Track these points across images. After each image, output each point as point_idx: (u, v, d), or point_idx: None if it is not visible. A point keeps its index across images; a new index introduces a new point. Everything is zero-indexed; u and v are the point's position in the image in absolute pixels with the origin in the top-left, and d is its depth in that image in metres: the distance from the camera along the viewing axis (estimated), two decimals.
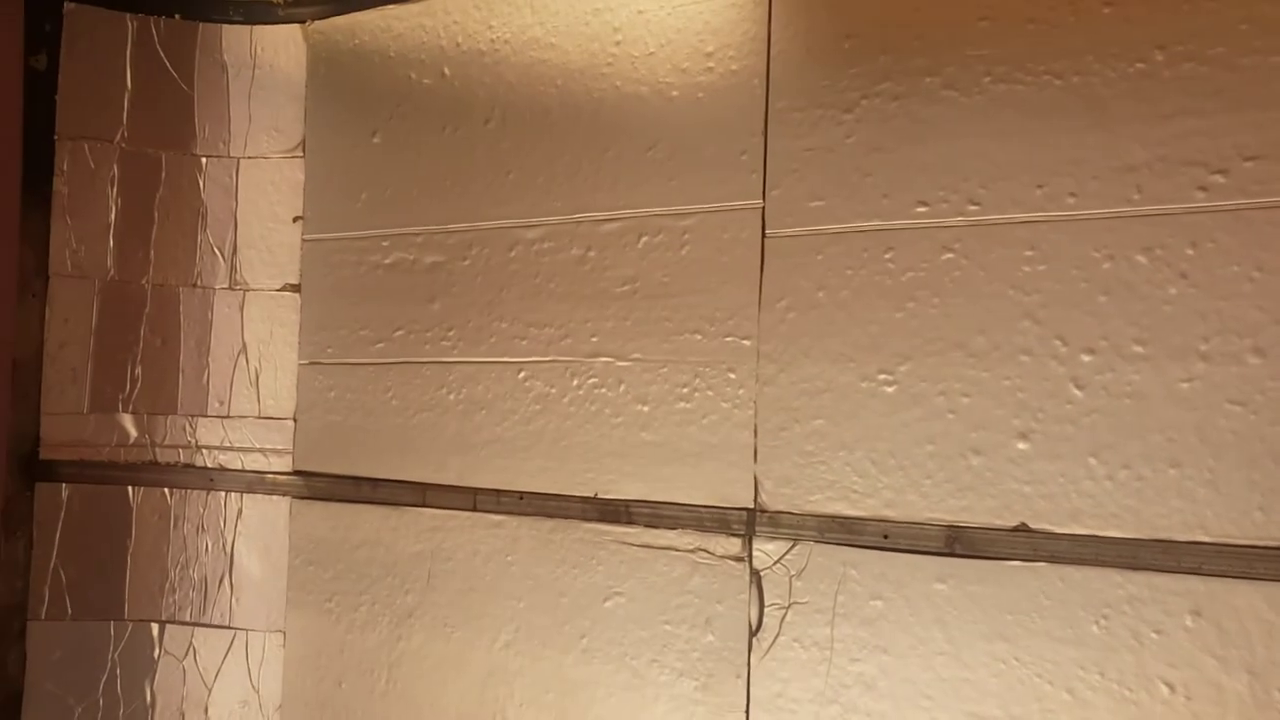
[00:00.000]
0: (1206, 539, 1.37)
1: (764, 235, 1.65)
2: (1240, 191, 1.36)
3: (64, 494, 2.04)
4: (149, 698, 2.05)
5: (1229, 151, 1.37)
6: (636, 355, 1.76)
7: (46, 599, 2.03)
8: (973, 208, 1.51)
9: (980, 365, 1.50)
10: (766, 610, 1.64)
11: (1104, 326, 1.43)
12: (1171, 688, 1.38)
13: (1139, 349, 1.41)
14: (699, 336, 1.70)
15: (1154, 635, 1.39)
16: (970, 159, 1.52)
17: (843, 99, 1.60)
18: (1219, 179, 1.37)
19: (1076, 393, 1.44)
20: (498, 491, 1.88)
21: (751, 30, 1.67)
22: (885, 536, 1.56)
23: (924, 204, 1.54)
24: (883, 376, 1.57)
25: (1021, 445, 1.47)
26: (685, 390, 1.72)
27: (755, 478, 1.65)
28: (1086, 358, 1.44)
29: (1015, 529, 1.47)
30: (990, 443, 1.49)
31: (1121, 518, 1.41)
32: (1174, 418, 1.39)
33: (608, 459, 1.78)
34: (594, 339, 1.79)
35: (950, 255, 1.53)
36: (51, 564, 2.03)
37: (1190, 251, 1.39)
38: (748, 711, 1.64)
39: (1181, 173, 1.39)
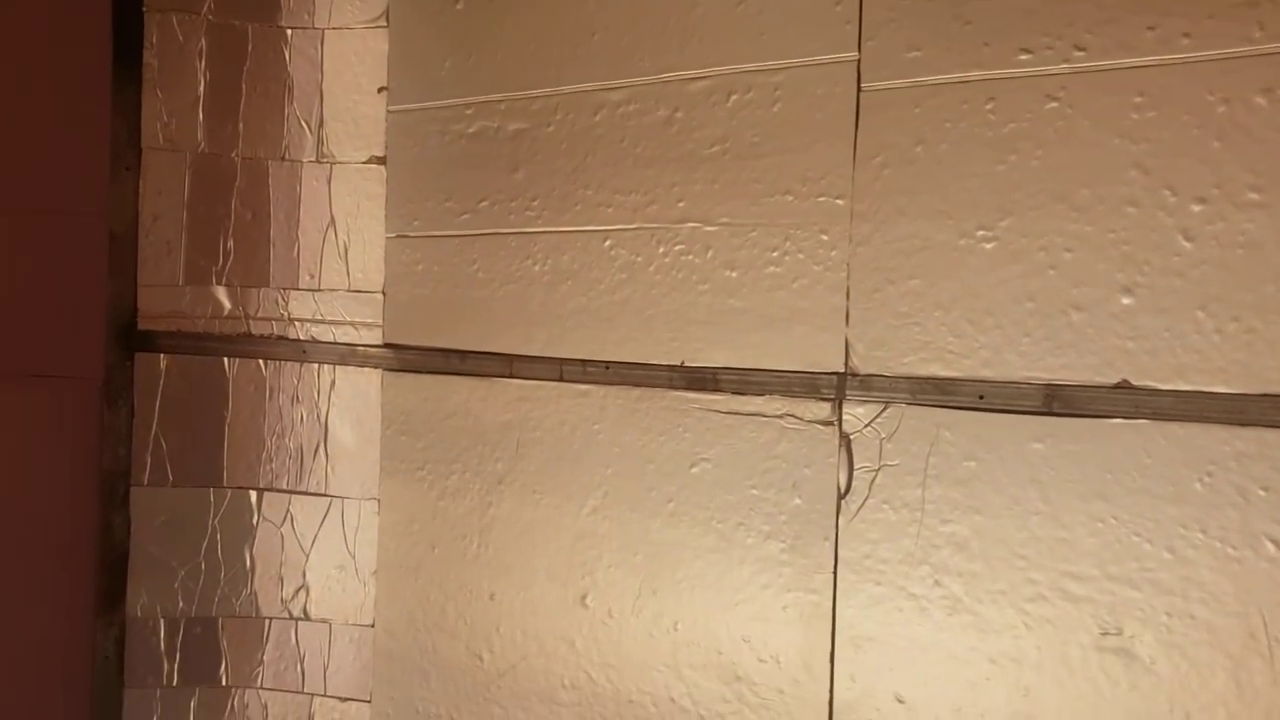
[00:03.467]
0: None
1: (859, 90, 1.61)
2: None
3: (162, 364, 2.09)
4: (248, 562, 2.12)
5: None
6: (725, 219, 1.73)
7: (149, 466, 2.09)
8: (1079, 53, 1.45)
9: (1084, 219, 1.45)
10: (856, 473, 1.63)
11: (1217, 174, 1.37)
12: (1278, 544, 1.34)
13: (1254, 196, 1.35)
14: (790, 198, 1.67)
15: (1261, 492, 1.35)
16: (1076, 2, 1.45)
17: None
18: None
19: (1185, 244, 1.39)
20: (584, 361, 1.88)
21: None
22: (981, 397, 1.53)
23: (1027, 51, 1.48)
24: (981, 233, 1.52)
25: (1125, 300, 1.43)
26: (775, 254, 1.69)
27: (846, 341, 1.63)
28: (1197, 207, 1.38)
29: (1116, 386, 1.44)
30: (1092, 298, 1.45)
31: (1230, 372, 1.37)
32: None
33: (694, 327, 1.76)
34: (681, 204, 1.76)
35: (1054, 104, 1.47)
36: (152, 432, 2.09)
37: None
38: (835, 572, 1.64)
39: None
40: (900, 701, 1.58)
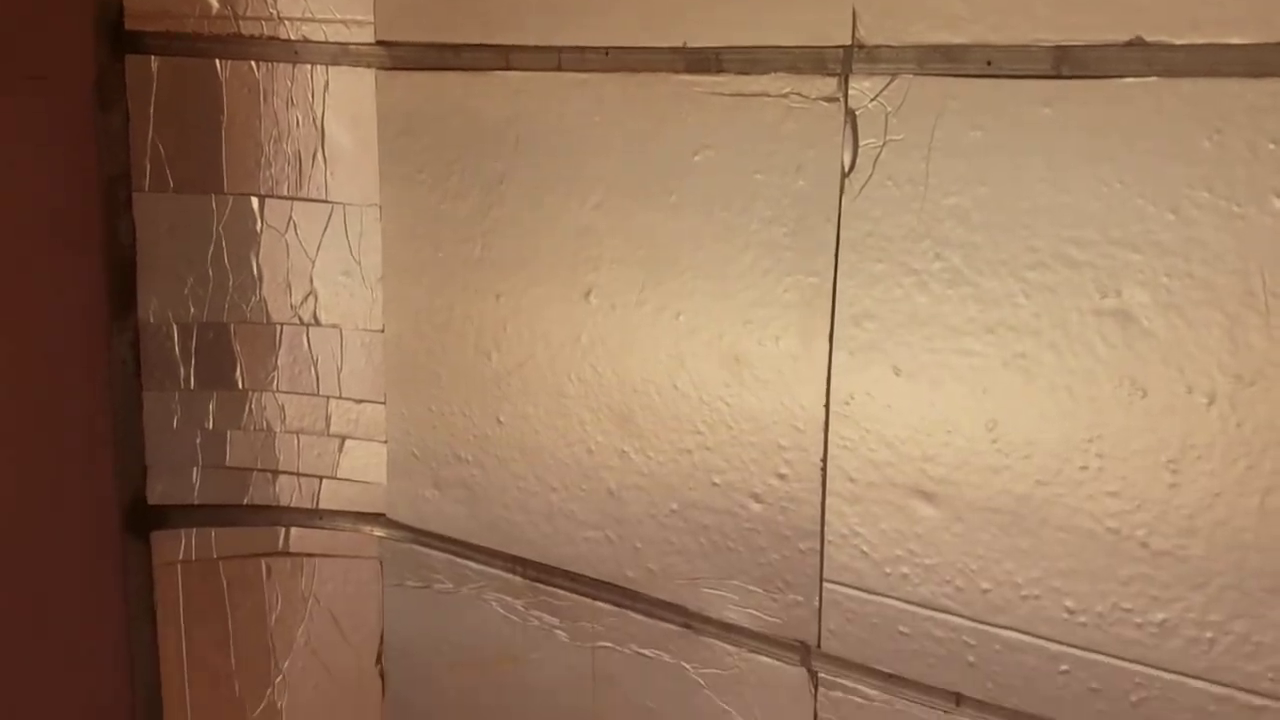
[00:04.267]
0: None
1: None
2: None
3: (153, 66, 2.04)
4: (256, 269, 2.13)
5: None
6: None
7: (148, 171, 2.08)
8: None
9: None
10: (861, 150, 1.60)
11: None
12: None
13: None
14: None
15: (1271, 146, 1.32)
16: None
17: None
18: None
19: None
20: (582, 49, 1.82)
21: None
22: (989, 63, 1.48)
23: None
24: None
25: None
26: None
27: (854, 10, 1.57)
28: None
29: (1128, 43, 1.38)
30: None
31: (1247, 22, 1.31)
32: None
33: (698, 1, 1.70)
34: None
35: None
36: (149, 137, 2.06)
37: None
38: (837, 252, 1.64)
39: None
40: (897, 374, 1.61)
